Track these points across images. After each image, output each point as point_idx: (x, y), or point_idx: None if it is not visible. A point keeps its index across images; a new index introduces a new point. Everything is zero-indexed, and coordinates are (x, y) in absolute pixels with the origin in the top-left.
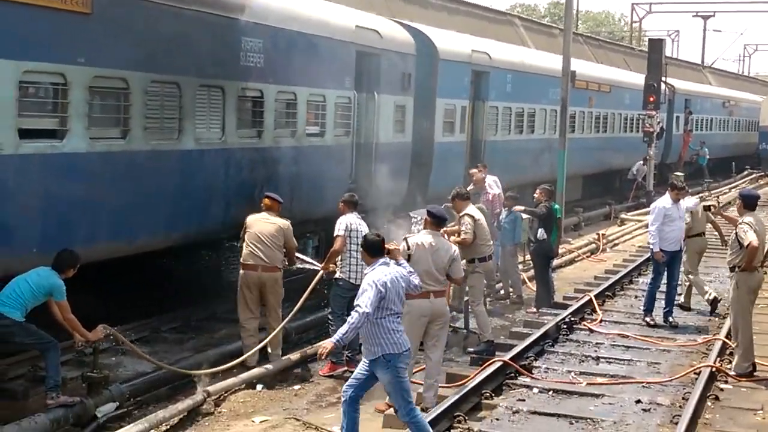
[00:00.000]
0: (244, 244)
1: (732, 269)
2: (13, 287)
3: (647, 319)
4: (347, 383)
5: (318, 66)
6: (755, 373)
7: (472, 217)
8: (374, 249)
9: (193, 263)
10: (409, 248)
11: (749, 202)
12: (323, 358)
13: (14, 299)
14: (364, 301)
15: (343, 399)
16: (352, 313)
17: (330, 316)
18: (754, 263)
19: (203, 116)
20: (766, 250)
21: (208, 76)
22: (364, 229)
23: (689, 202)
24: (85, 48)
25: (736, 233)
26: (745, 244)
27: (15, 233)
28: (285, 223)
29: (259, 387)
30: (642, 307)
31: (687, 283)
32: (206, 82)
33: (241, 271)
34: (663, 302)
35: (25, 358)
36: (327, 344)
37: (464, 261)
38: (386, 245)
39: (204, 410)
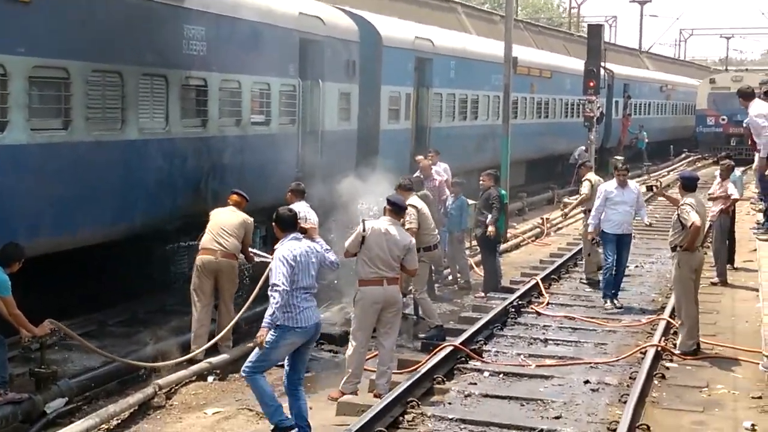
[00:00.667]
0: (206, 232)
1: (673, 249)
2: None
3: (605, 305)
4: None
5: (262, 54)
6: (699, 351)
7: (415, 207)
8: (286, 223)
9: (140, 256)
10: (365, 230)
11: (689, 184)
12: (263, 347)
13: None
14: (279, 278)
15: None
16: (273, 294)
17: None
18: (696, 243)
19: (146, 106)
20: (705, 230)
21: (151, 64)
22: (313, 217)
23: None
24: (24, 37)
25: (678, 214)
26: (689, 224)
27: None
28: (249, 219)
29: (210, 378)
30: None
31: None
32: (149, 70)
33: (199, 257)
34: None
35: None
36: (262, 332)
37: None
38: (302, 225)
39: (155, 403)
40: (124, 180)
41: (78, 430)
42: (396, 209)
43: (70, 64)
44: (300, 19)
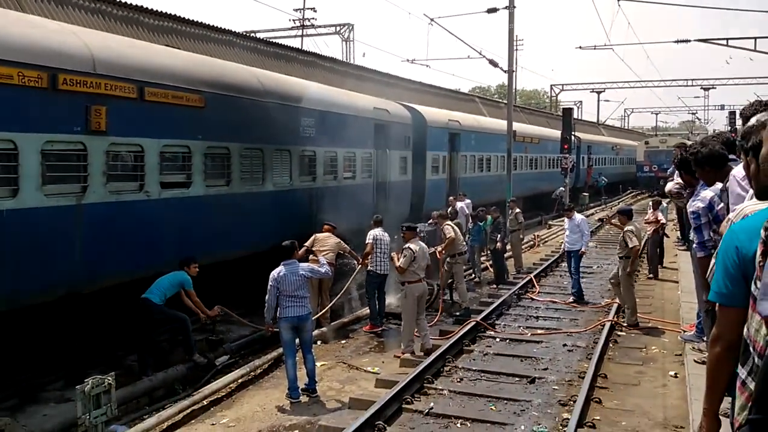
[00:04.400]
0: (316, 251)
1: (620, 258)
2: (157, 284)
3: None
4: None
5: (350, 134)
6: (640, 325)
7: (451, 226)
8: (284, 252)
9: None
10: (413, 252)
11: (628, 214)
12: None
13: (158, 290)
14: (268, 290)
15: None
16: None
17: (366, 295)
18: (635, 257)
19: (278, 169)
20: (642, 245)
21: (280, 143)
22: (386, 238)
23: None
24: (201, 129)
25: (623, 236)
26: (631, 246)
27: (161, 250)
28: (338, 240)
29: (318, 342)
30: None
31: None
32: (279, 147)
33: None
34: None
35: (168, 327)
36: (266, 326)
37: (449, 256)
38: (312, 249)
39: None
40: (264, 216)
41: (236, 376)
42: (413, 230)
43: (230, 145)
44: (374, 111)
